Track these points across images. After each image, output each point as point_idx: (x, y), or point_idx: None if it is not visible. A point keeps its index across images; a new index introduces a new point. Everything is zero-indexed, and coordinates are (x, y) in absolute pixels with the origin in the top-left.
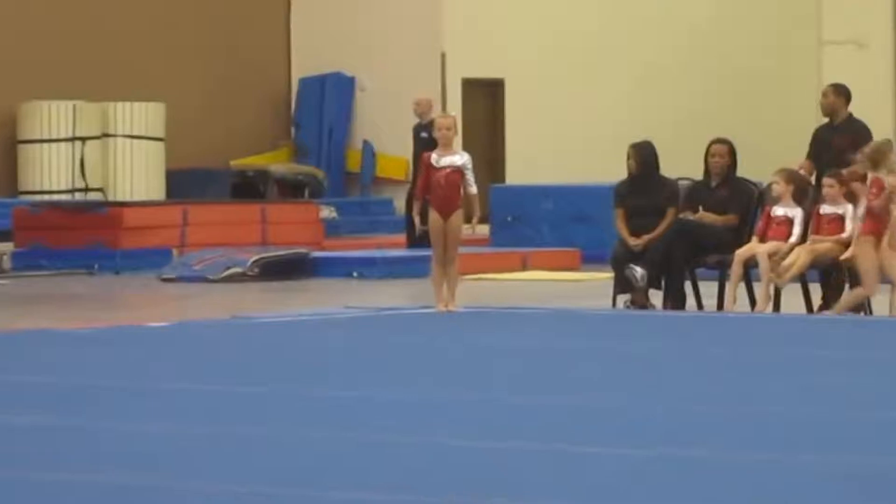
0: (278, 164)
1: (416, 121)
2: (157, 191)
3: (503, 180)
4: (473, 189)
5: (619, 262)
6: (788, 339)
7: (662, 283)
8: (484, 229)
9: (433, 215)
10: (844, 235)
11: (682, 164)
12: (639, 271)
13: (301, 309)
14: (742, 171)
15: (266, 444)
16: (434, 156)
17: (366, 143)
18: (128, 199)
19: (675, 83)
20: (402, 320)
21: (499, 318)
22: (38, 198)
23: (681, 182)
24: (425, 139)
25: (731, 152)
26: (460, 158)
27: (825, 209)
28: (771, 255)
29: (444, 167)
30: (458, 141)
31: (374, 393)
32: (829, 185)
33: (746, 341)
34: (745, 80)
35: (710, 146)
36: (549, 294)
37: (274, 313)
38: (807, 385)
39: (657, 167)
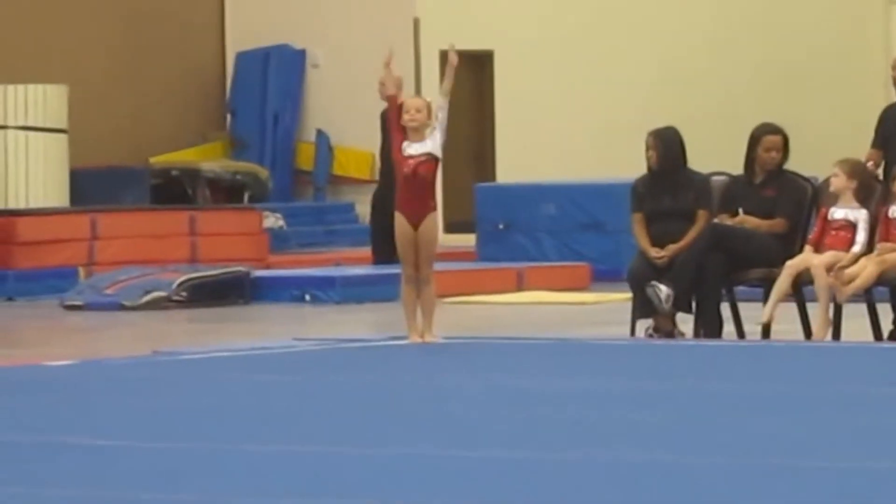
0: (210, 160)
1: (383, 105)
2: (58, 195)
3: (493, 178)
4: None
5: (639, 279)
6: (851, 375)
7: (693, 304)
8: (469, 240)
9: (400, 221)
10: None
11: (715, 156)
12: (663, 290)
13: (239, 342)
14: (792, 165)
15: None
16: (405, 143)
17: (320, 133)
18: (21, 206)
19: (709, 57)
20: (365, 355)
21: (487, 351)
22: None
23: (714, 178)
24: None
25: (786, 143)
26: (432, 142)
27: None
28: (829, 269)
29: (412, 156)
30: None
31: (321, 449)
32: None
33: (799, 378)
34: (793, 51)
35: (759, 136)
36: (550, 320)
37: (205, 348)
38: (877, 432)
39: (684, 160)
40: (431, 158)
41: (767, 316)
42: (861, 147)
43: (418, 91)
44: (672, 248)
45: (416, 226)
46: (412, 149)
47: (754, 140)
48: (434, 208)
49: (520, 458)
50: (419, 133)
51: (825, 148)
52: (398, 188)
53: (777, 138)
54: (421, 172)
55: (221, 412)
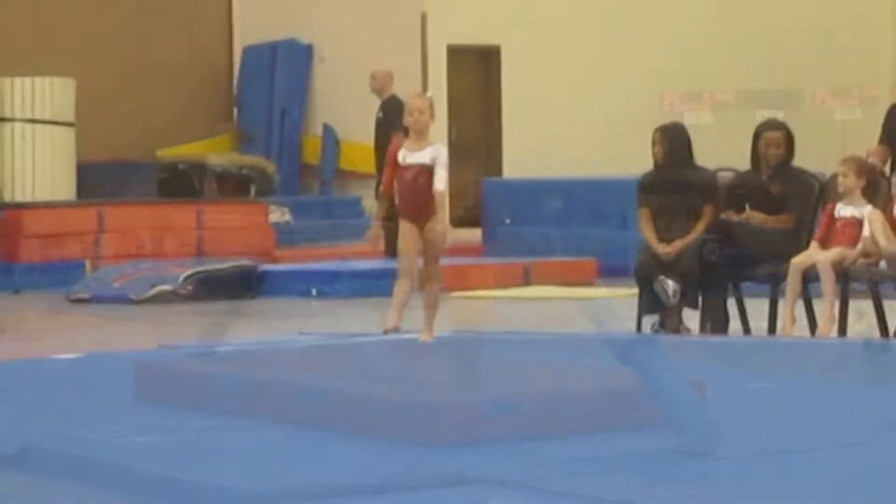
0: (217, 154)
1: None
2: (65, 189)
3: (499, 173)
4: (440, 185)
5: (646, 274)
6: (857, 370)
7: (699, 300)
8: (475, 235)
9: (405, 224)
10: None
11: (724, 151)
12: (670, 285)
13: (245, 336)
14: (799, 161)
15: None
16: (402, 151)
17: (327, 127)
18: (28, 199)
19: (718, 51)
20: (374, 350)
21: (487, 346)
22: None
23: (721, 173)
24: (380, 119)
25: (789, 140)
26: (430, 153)
27: None
28: (836, 265)
29: (411, 166)
30: (440, 128)
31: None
32: None
33: (806, 374)
34: (804, 46)
35: (759, 132)
36: (556, 315)
37: (210, 343)
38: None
39: (691, 155)
40: (426, 170)
41: (789, 323)
42: (866, 140)
43: (425, 87)
44: (679, 244)
45: (421, 227)
46: (411, 158)
47: (756, 136)
48: (435, 211)
49: None
50: (422, 136)
51: (828, 144)
52: (400, 196)
53: (777, 134)
54: (419, 184)
55: (224, 404)
